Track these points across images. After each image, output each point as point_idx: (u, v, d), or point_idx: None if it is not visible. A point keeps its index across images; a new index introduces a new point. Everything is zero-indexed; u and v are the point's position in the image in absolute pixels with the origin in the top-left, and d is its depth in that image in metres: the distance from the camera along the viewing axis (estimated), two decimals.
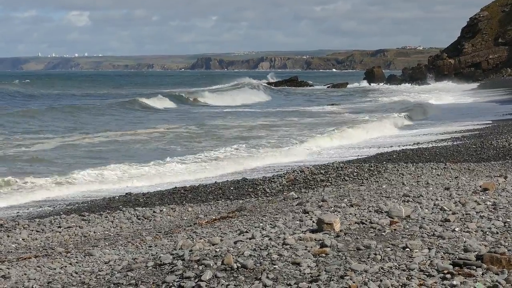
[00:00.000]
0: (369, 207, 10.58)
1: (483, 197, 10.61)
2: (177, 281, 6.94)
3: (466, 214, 9.11)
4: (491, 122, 35.52)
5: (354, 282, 6.33)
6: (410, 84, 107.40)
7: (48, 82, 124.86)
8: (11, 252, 11.36)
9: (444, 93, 73.11)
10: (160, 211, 14.33)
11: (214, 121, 43.03)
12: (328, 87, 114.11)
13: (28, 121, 43.71)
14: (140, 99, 63.54)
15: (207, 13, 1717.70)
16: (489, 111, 45.52)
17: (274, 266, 6.98)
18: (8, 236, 12.46)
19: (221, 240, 8.68)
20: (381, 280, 6.33)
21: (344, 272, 6.59)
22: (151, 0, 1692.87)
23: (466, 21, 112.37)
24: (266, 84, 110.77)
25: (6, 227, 13.18)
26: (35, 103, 67.42)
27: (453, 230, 8.10)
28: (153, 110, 57.84)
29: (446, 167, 17.17)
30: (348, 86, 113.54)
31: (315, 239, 7.89)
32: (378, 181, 15.52)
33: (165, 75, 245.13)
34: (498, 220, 8.60)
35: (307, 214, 10.61)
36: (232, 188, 16.97)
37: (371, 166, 17.72)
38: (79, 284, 7.86)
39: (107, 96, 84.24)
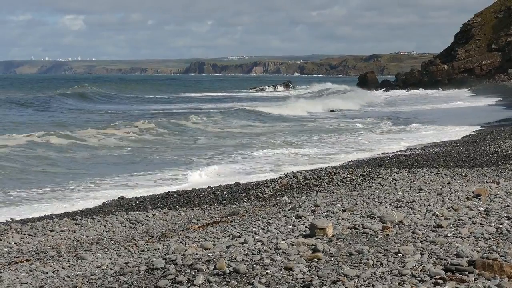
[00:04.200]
0: (361, 212, 10.59)
1: (476, 203, 10.63)
2: (169, 286, 6.93)
3: (458, 220, 9.12)
4: (483, 128, 35.55)
5: (346, 287, 6.34)
6: (405, 90, 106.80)
7: (121, 86, 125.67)
8: (4, 256, 11.33)
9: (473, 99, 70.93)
10: (153, 215, 14.32)
11: None
12: None
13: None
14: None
15: (203, 18, 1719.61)
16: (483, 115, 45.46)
17: (267, 271, 6.98)
18: (0, 240, 12.43)
19: (213, 245, 8.67)
20: (373, 285, 6.33)
21: (337, 277, 6.59)
22: (147, 4, 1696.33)
23: (460, 27, 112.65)
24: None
25: None
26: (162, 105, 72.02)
27: (446, 236, 8.12)
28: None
29: (439, 172, 17.20)
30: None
31: (307, 244, 7.89)
32: (371, 186, 15.53)
33: (172, 79, 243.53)
34: (491, 226, 8.62)
35: (300, 219, 10.62)
36: (225, 192, 16.96)
37: (364, 171, 17.74)
38: None
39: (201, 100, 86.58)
